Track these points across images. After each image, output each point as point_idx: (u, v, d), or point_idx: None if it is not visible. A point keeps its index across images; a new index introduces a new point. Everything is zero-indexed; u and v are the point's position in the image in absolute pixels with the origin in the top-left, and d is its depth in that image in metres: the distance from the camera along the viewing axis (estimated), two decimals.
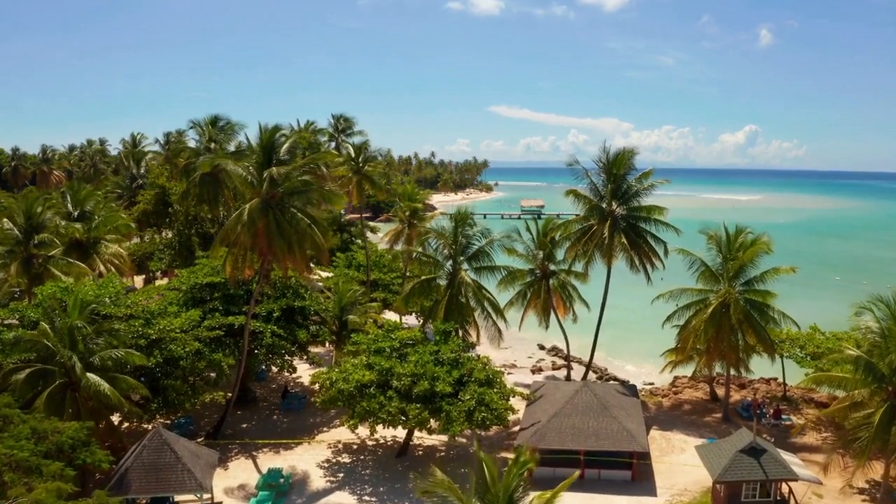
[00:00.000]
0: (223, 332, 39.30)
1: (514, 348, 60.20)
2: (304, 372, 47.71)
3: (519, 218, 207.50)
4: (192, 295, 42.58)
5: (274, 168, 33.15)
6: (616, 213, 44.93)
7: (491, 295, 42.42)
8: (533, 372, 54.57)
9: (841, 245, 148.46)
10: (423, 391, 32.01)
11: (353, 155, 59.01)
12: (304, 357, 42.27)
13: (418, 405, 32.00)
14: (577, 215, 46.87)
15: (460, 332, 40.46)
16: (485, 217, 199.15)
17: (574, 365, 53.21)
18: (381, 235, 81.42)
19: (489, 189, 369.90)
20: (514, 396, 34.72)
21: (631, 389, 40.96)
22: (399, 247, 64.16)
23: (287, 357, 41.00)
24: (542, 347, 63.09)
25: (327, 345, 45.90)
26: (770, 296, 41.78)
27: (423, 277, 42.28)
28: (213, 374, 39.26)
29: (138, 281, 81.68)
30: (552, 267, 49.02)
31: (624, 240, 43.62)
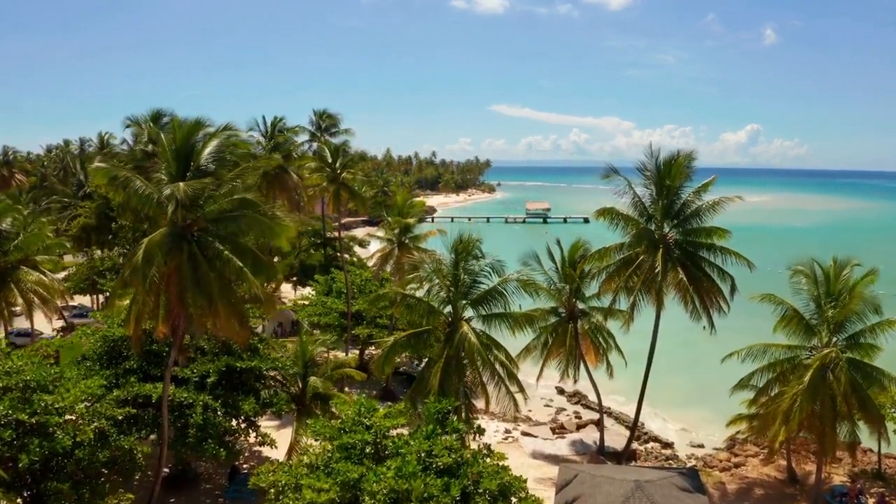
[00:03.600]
0: (137, 405, 28.70)
1: (528, 390, 49.40)
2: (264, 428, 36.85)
3: (524, 222, 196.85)
4: (107, 348, 32.08)
5: (181, 183, 22.13)
6: (669, 239, 34.26)
7: (504, 356, 31.32)
8: (553, 431, 43.61)
9: (866, 250, 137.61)
10: None
11: (329, 159, 47.95)
12: (255, 435, 31.66)
13: None
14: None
15: (462, 410, 29.64)
16: (488, 221, 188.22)
17: (604, 417, 42.52)
18: (375, 247, 70.80)
19: (492, 190, 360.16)
20: None
21: (693, 480, 30.12)
22: (389, 268, 53.81)
23: (228, 438, 30.25)
24: (561, 392, 52.39)
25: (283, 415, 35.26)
26: (876, 351, 31.29)
27: (410, 331, 31.14)
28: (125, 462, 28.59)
29: (97, 301, 71.37)
30: (581, 305, 38.42)
31: (682, 275, 32.75)
